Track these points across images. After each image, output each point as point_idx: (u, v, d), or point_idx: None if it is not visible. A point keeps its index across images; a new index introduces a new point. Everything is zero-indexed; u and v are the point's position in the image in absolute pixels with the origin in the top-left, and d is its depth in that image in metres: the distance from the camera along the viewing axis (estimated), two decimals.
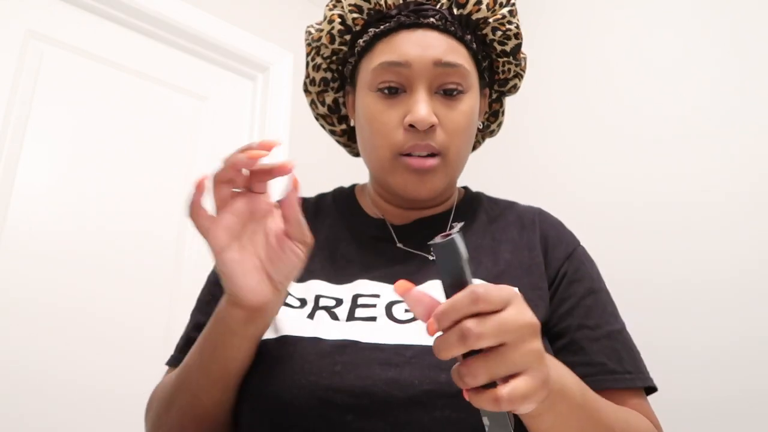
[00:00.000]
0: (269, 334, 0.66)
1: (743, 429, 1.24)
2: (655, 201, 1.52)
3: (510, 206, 0.84)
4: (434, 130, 0.71)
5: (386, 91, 0.72)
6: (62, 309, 1.50)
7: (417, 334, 0.63)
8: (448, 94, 0.73)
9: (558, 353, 0.69)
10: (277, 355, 0.63)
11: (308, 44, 0.82)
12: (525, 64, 0.83)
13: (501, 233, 0.77)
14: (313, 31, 0.81)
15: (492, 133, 0.90)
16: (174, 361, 0.75)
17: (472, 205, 0.82)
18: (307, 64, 0.83)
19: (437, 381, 0.59)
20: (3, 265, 1.45)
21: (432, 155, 0.72)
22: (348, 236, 0.78)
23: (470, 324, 0.43)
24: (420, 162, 0.71)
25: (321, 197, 0.87)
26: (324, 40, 0.79)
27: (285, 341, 0.64)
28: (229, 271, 0.55)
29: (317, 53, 0.81)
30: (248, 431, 0.64)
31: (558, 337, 0.70)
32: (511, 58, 0.80)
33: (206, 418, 0.65)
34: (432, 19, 0.73)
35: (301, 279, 0.72)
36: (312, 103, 0.86)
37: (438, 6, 0.74)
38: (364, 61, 0.76)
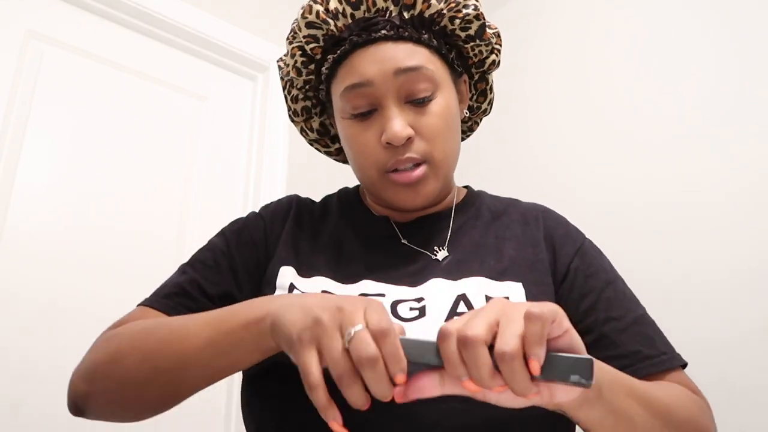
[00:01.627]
0: None
1: (743, 426, 1.24)
2: (654, 201, 1.52)
3: (513, 203, 0.84)
4: (412, 141, 0.71)
5: (357, 115, 0.72)
6: (62, 309, 1.50)
7: (421, 332, 0.63)
8: (419, 103, 0.72)
9: (590, 350, 0.69)
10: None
11: (281, 78, 0.83)
12: (498, 38, 0.81)
13: (504, 230, 0.78)
14: (282, 65, 0.82)
15: (485, 113, 0.89)
16: (151, 303, 0.72)
17: (474, 203, 0.82)
18: (285, 98, 0.83)
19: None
20: (3, 265, 1.45)
21: (417, 165, 0.72)
22: (353, 234, 0.78)
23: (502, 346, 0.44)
24: (406, 176, 0.71)
25: (327, 199, 0.88)
26: (292, 74, 0.79)
27: None
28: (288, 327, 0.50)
29: (291, 86, 0.82)
30: (259, 425, 0.65)
31: (585, 333, 0.69)
32: (477, 40, 0.78)
33: (173, 393, 0.60)
34: (383, 31, 0.71)
35: (307, 275, 0.72)
36: (302, 131, 0.87)
37: (387, 16, 0.73)
38: (332, 87, 0.76)
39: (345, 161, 0.90)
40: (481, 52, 0.80)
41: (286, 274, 0.72)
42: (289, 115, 0.85)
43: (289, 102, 0.83)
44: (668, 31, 1.62)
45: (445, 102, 0.73)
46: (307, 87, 0.81)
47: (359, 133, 0.73)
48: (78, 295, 1.53)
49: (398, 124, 0.70)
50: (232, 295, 0.73)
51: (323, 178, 2.24)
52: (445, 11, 0.74)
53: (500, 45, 0.82)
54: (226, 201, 1.91)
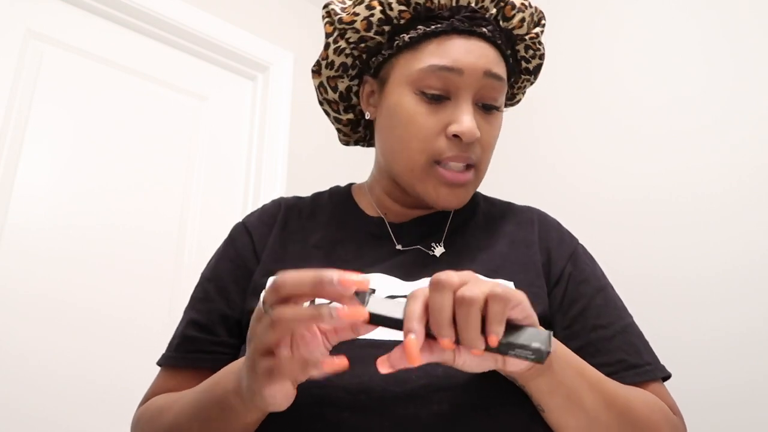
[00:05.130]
0: None
1: (742, 423, 1.24)
2: (659, 198, 1.52)
3: (507, 206, 0.84)
4: (475, 143, 0.71)
5: (430, 96, 0.70)
6: (62, 308, 1.50)
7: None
8: (486, 108, 0.73)
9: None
10: None
11: (330, 24, 0.77)
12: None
13: (497, 231, 0.78)
14: (339, 11, 0.76)
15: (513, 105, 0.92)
16: (167, 361, 0.73)
17: (470, 203, 0.82)
18: (327, 45, 0.77)
19: (434, 375, 0.59)
20: (3, 265, 1.45)
21: (467, 168, 0.72)
22: (345, 236, 0.77)
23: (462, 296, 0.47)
24: (456, 176, 0.71)
25: (317, 196, 0.86)
26: (358, 26, 0.74)
27: None
28: (267, 400, 0.51)
29: (341, 36, 0.76)
30: None
31: (572, 339, 0.69)
32: (531, 76, 0.82)
33: None
34: (485, 29, 0.72)
35: None
36: (320, 86, 0.82)
37: (488, 16, 0.73)
38: (404, 57, 0.73)
39: (347, 134, 0.87)
40: (524, 86, 0.84)
41: None
42: (318, 64, 0.80)
43: (330, 51, 0.77)
44: (674, 27, 1.62)
45: (501, 119, 0.75)
46: (361, 45, 0.76)
47: (424, 114, 0.70)
48: (78, 294, 1.53)
49: (472, 121, 0.69)
50: (225, 316, 0.73)
51: (323, 178, 2.24)
52: (526, 38, 0.77)
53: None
54: (226, 201, 1.91)
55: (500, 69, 0.73)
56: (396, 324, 0.47)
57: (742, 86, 1.44)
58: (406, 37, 0.72)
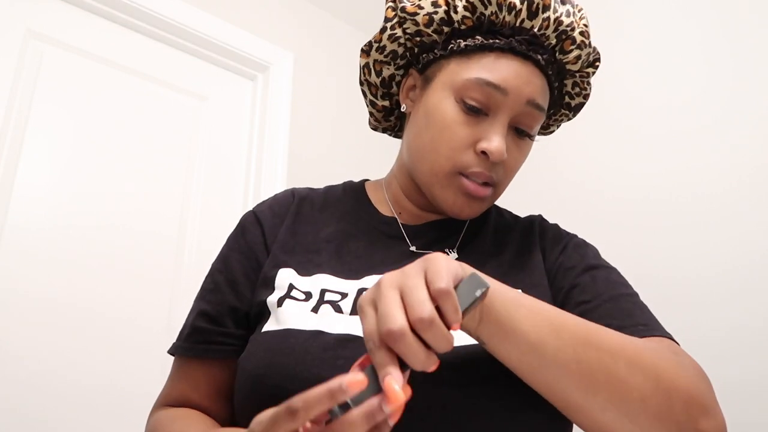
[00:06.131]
0: (272, 326, 0.66)
1: (742, 423, 1.24)
2: (659, 198, 1.53)
3: (514, 218, 0.85)
4: (500, 164, 0.72)
5: (470, 107, 0.71)
6: (63, 308, 1.50)
7: None
8: (519, 132, 0.73)
9: None
10: (280, 348, 0.62)
11: (393, 9, 0.77)
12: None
13: (505, 240, 0.79)
14: (409, 4, 0.76)
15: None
16: (177, 350, 0.74)
17: (482, 214, 0.83)
18: (384, 29, 0.78)
19: (438, 377, 0.59)
20: (3, 265, 1.45)
21: (485, 185, 0.72)
22: (357, 232, 0.77)
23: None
24: (476, 188, 0.72)
25: (329, 189, 0.86)
26: (419, 19, 0.74)
27: (288, 334, 0.64)
28: None
29: (400, 24, 0.76)
30: (246, 422, 0.64)
31: None
32: (571, 113, 0.82)
33: None
34: (540, 57, 0.72)
35: (308, 273, 0.72)
36: (365, 67, 0.82)
37: (547, 45, 0.73)
38: (455, 62, 0.73)
39: (378, 120, 0.87)
40: (557, 120, 0.84)
41: (285, 276, 0.72)
42: (370, 44, 0.80)
43: (385, 35, 0.78)
44: (674, 27, 1.62)
45: (530, 147, 0.76)
46: (416, 39, 0.76)
47: (460, 123, 0.71)
48: (78, 294, 1.53)
49: (503, 143, 0.70)
50: (234, 308, 0.73)
51: (323, 178, 2.24)
52: (577, 75, 0.78)
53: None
54: (226, 201, 1.91)
55: (544, 100, 0.73)
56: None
57: (742, 86, 1.44)
58: (463, 43, 0.73)
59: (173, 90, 1.90)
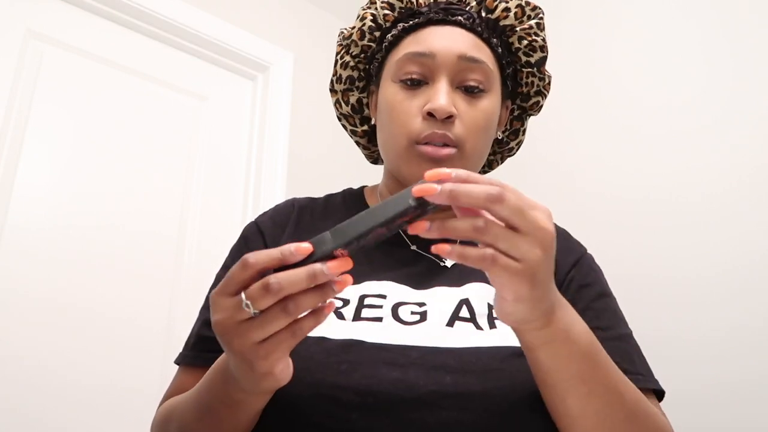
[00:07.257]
0: None
1: (742, 422, 1.24)
2: (659, 198, 1.53)
3: None
4: (452, 121, 0.72)
5: (408, 82, 0.74)
6: (62, 308, 1.50)
7: (422, 336, 0.63)
8: (469, 91, 0.74)
9: None
10: None
11: (339, 44, 0.84)
12: (549, 82, 0.84)
13: None
14: (345, 31, 0.84)
15: (511, 151, 0.91)
16: (184, 360, 0.74)
17: None
18: (336, 62, 0.85)
19: (442, 383, 0.59)
20: (3, 265, 1.45)
21: (447, 146, 0.72)
22: None
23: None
24: (435, 150, 0.71)
25: (329, 197, 0.87)
26: (354, 37, 0.81)
27: None
28: (271, 382, 0.52)
29: (347, 52, 0.83)
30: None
31: None
32: (535, 70, 0.82)
33: None
34: (460, 18, 0.76)
35: None
36: (336, 103, 0.87)
37: (467, 8, 0.77)
38: (390, 55, 0.78)
39: (366, 146, 0.91)
40: (532, 83, 0.83)
41: None
42: (332, 82, 0.86)
43: (338, 67, 0.84)
44: (674, 27, 1.62)
45: (492, 105, 0.75)
46: (362, 56, 0.83)
47: (403, 99, 0.74)
48: (78, 294, 1.53)
49: (445, 98, 0.71)
50: None
51: (323, 178, 2.24)
52: (517, 28, 0.78)
53: (547, 92, 0.85)
54: (226, 201, 1.91)
55: (477, 53, 0.74)
56: (369, 230, 0.47)
57: (742, 86, 1.44)
58: (390, 36, 0.78)
59: (173, 90, 1.90)
